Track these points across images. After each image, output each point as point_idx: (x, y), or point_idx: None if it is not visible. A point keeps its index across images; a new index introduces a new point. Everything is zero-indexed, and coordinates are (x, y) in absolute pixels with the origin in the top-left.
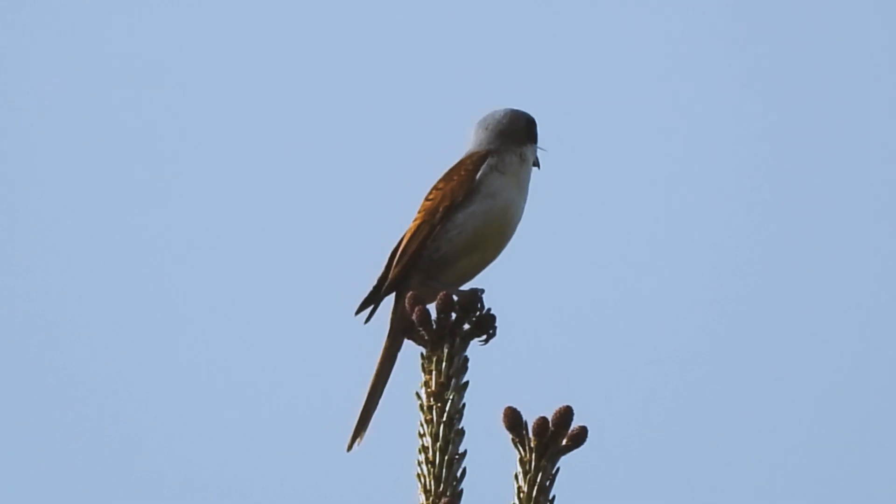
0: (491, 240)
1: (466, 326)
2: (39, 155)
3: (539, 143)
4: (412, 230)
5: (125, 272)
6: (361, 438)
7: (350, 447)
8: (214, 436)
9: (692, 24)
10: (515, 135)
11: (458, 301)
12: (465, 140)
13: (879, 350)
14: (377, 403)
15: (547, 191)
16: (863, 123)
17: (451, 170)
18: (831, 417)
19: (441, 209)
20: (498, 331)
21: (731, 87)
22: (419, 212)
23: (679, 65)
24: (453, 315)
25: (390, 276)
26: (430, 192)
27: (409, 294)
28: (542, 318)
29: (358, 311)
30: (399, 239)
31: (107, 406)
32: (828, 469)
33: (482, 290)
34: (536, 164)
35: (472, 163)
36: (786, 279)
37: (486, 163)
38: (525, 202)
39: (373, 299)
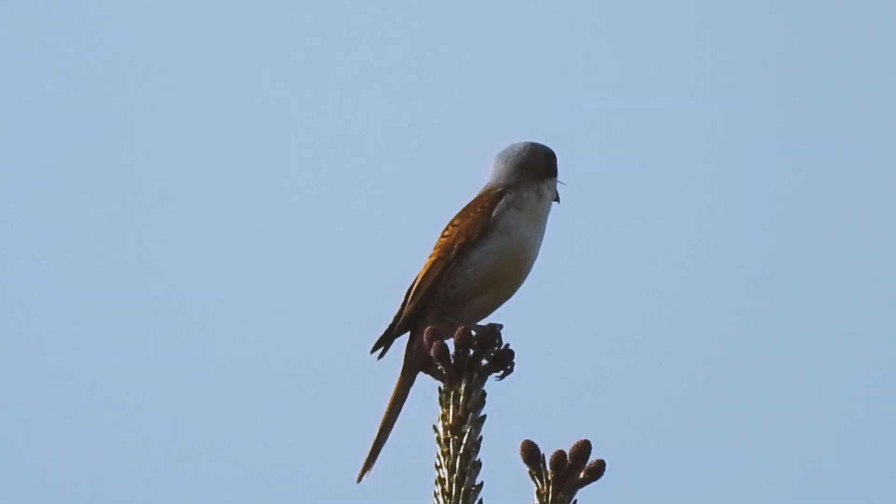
0: (507, 277)
1: (484, 361)
2: (40, 155)
3: (559, 178)
4: (427, 267)
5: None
6: (371, 470)
7: (360, 478)
8: (230, 467)
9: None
10: (535, 169)
11: (476, 336)
12: (483, 172)
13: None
14: (387, 437)
15: (564, 223)
16: (862, 125)
17: (468, 206)
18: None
19: (456, 246)
20: (515, 367)
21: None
22: (434, 248)
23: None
24: (471, 350)
25: (405, 312)
26: (446, 229)
27: (427, 329)
28: (560, 352)
29: (374, 349)
30: (415, 276)
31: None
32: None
33: (501, 326)
34: (556, 198)
35: (488, 199)
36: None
37: (502, 199)
38: (542, 238)
39: (388, 336)
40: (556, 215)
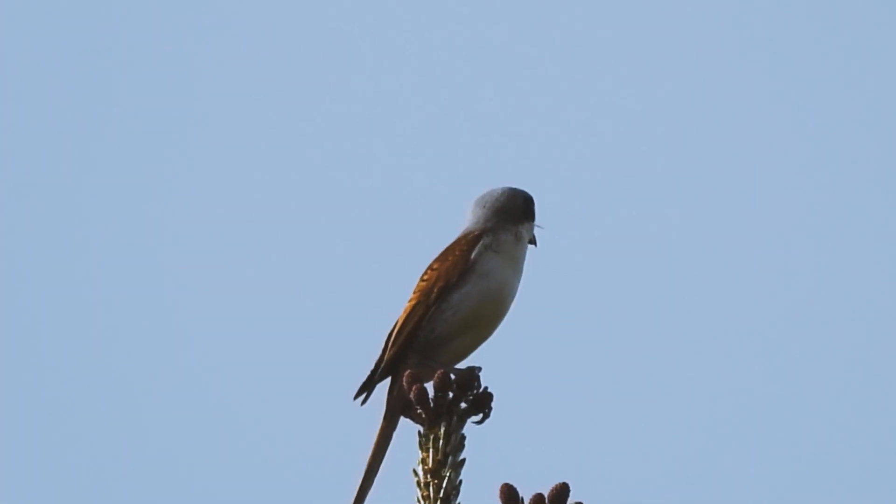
0: (485, 319)
1: (464, 405)
2: (39, 155)
3: (537, 222)
4: (407, 311)
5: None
6: None
7: None
8: None
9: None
10: (512, 213)
11: (455, 379)
12: (462, 217)
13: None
14: (373, 482)
15: (541, 266)
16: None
17: (447, 250)
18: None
19: (436, 290)
20: (492, 411)
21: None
22: (414, 292)
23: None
24: (451, 393)
25: (386, 357)
26: (426, 273)
27: (406, 373)
28: (539, 395)
29: (357, 395)
30: (395, 321)
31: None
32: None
33: (479, 368)
34: (533, 241)
35: (466, 243)
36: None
37: (480, 243)
38: (519, 280)
39: (371, 381)
40: (534, 255)
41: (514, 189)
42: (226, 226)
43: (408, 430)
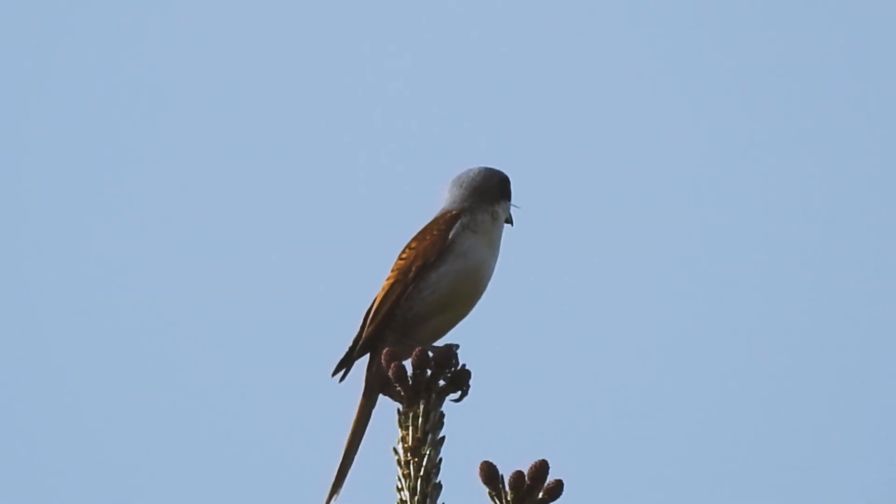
0: (463, 298)
1: (442, 382)
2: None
3: (513, 201)
4: (385, 289)
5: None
6: (338, 495)
7: (327, 503)
8: (195, 498)
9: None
10: (489, 193)
11: (433, 357)
12: (438, 197)
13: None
14: (353, 460)
15: (518, 243)
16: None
17: (424, 229)
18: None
19: (414, 269)
20: (471, 389)
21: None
22: (392, 271)
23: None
24: (429, 371)
25: (364, 335)
26: (403, 252)
27: (385, 350)
28: (517, 373)
29: (335, 372)
30: (372, 299)
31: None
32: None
33: (457, 346)
34: (509, 220)
35: (444, 222)
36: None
37: (458, 222)
38: (496, 259)
39: (349, 359)
40: (513, 234)
41: (491, 169)
42: (201, 208)
43: (387, 408)
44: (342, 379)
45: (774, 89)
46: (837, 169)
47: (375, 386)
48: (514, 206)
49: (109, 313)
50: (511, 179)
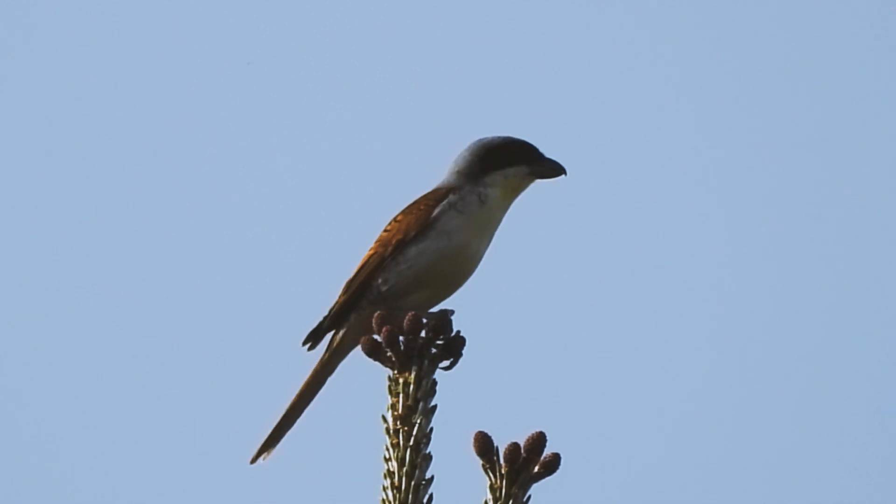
0: (442, 278)
1: (434, 349)
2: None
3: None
4: (364, 260)
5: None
6: (269, 454)
7: (254, 460)
8: (162, 465)
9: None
10: (473, 170)
11: (428, 322)
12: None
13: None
14: (294, 421)
15: (516, 220)
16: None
17: (413, 203)
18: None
19: (394, 241)
20: (462, 357)
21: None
22: (375, 242)
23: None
24: (422, 336)
25: (337, 304)
26: (389, 224)
27: (377, 313)
28: (516, 342)
29: (305, 341)
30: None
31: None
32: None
33: (452, 312)
34: (542, 174)
35: (433, 198)
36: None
37: (445, 200)
38: (487, 243)
39: (320, 328)
40: (512, 214)
41: (481, 140)
42: (180, 176)
43: (377, 374)
44: (311, 348)
45: (773, 90)
46: (837, 169)
47: (364, 350)
48: (506, 174)
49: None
50: (521, 140)
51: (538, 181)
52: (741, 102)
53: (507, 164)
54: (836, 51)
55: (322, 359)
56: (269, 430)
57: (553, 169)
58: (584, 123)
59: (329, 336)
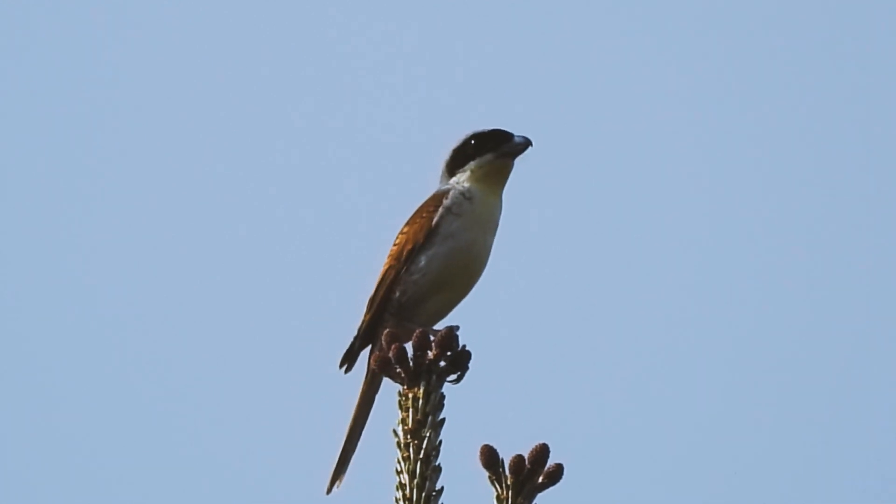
0: (457, 278)
1: (442, 363)
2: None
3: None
4: (381, 275)
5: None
6: (341, 481)
7: (329, 490)
8: (201, 485)
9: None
10: (451, 174)
11: (435, 338)
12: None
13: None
14: (356, 445)
15: (520, 223)
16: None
17: (415, 213)
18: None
19: (405, 252)
20: (469, 370)
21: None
22: (387, 257)
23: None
24: (430, 352)
25: (364, 322)
26: (397, 237)
27: (385, 332)
28: (519, 356)
29: (341, 364)
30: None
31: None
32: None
33: (457, 327)
34: (516, 151)
35: (432, 205)
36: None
37: (442, 205)
38: (492, 234)
39: (353, 349)
40: (514, 221)
41: (454, 143)
42: (207, 199)
43: (388, 390)
44: (348, 370)
45: (773, 89)
46: (836, 169)
47: (377, 367)
48: (485, 159)
49: (121, 316)
50: (479, 131)
51: (528, 165)
52: (740, 102)
53: (473, 158)
54: (834, 50)
55: (366, 378)
56: (336, 458)
57: (517, 144)
58: (584, 124)
59: (364, 354)
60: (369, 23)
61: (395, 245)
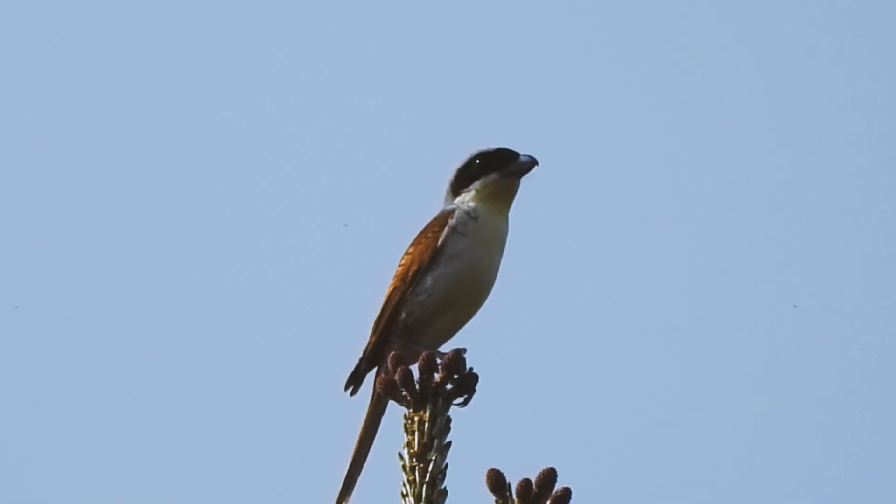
0: (463, 299)
1: (449, 386)
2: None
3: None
4: (386, 296)
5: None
6: (348, 501)
7: None
8: None
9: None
10: (456, 193)
11: (442, 362)
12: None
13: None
14: (361, 467)
15: (525, 246)
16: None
17: (420, 233)
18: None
19: (411, 273)
20: (476, 393)
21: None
22: (393, 278)
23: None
24: (436, 375)
25: (370, 344)
26: (402, 257)
27: (391, 354)
28: (527, 378)
29: (347, 386)
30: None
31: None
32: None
33: (464, 350)
34: (520, 171)
35: (438, 224)
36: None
37: (448, 225)
38: (500, 255)
39: (359, 370)
40: (520, 238)
41: (459, 162)
42: (210, 217)
43: (393, 413)
44: (354, 392)
45: (772, 90)
46: (835, 168)
47: (383, 390)
48: (488, 180)
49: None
50: (484, 150)
51: (536, 184)
52: (741, 102)
53: (478, 177)
54: (832, 50)
55: (371, 401)
56: (342, 481)
57: (522, 164)
58: (584, 125)
59: (370, 376)
60: (376, 43)
61: (400, 266)
